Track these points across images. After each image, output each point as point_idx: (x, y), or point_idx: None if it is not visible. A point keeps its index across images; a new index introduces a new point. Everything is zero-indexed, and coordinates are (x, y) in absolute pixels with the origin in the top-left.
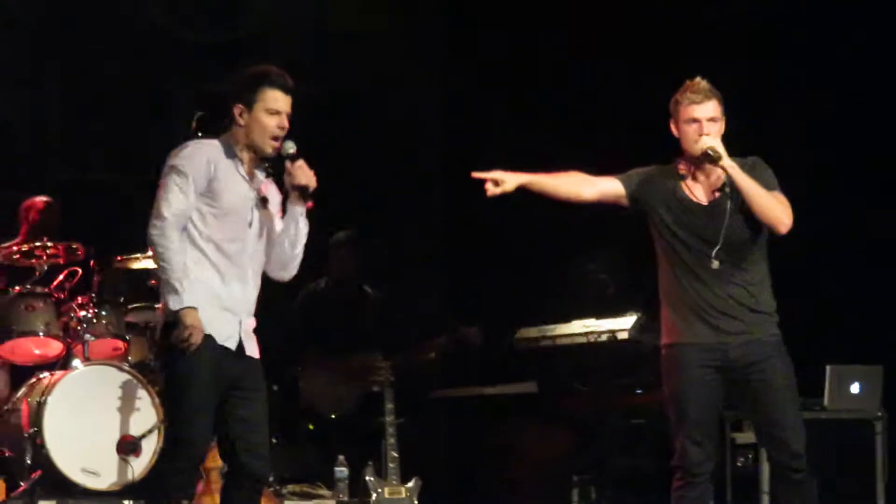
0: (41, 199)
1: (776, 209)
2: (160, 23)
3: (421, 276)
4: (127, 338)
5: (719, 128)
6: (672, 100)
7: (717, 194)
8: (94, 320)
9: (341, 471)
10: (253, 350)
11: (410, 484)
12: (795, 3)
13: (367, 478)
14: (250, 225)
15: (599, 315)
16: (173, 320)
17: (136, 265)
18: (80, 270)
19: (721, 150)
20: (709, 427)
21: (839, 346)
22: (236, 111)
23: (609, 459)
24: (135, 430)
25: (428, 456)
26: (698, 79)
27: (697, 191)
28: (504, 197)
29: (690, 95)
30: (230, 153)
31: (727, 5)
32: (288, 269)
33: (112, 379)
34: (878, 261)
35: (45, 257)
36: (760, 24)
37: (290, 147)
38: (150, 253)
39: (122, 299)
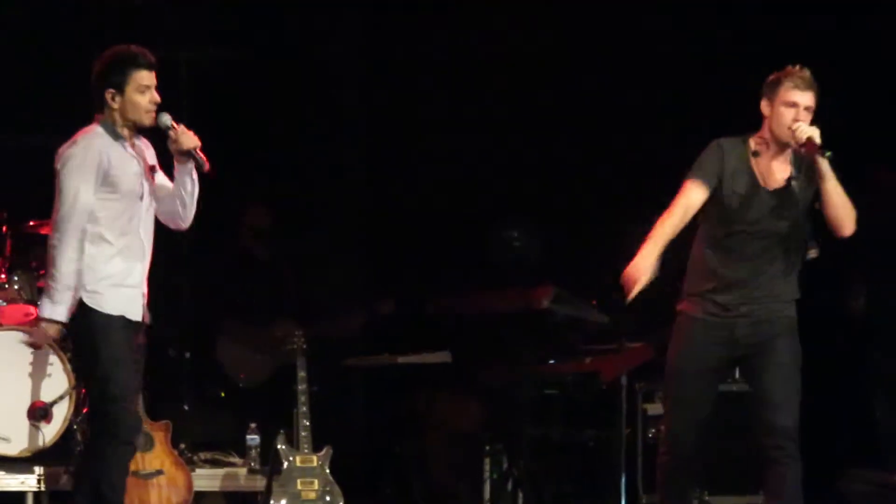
0: None
1: (853, 212)
2: None
3: (337, 245)
4: (39, 303)
5: (809, 119)
6: (771, 78)
7: (786, 182)
8: (6, 285)
9: (253, 438)
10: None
11: (322, 452)
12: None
13: (278, 446)
14: (142, 198)
15: (515, 284)
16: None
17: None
18: None
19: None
20: None
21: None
22: (108, 96)
23: (521, 429)
24: (46, 396)
25: (341, 425)
26: (803, 67)
27: (769, 174)
28: (418, 167)
29: (795, 80)
30: (115, 135)
31: None
32: (185, 222)
33: (23, 345)
34: None
35: None
36: None
37: (167, 119)
38: None
39: (34, 264)
